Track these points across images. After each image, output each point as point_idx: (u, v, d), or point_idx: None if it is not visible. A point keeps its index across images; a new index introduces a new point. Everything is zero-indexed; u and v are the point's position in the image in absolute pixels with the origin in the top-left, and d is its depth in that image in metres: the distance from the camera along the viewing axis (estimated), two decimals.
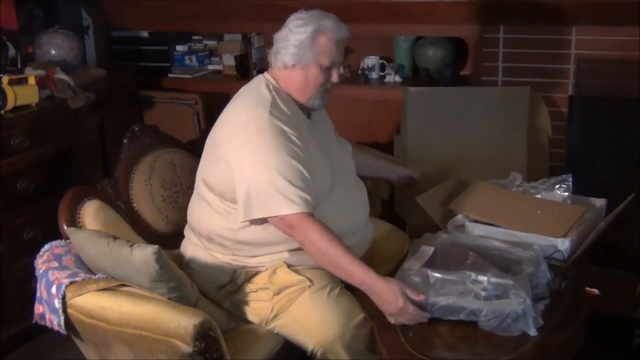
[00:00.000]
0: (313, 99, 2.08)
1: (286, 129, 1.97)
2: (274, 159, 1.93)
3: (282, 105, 2.03)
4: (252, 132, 1.97)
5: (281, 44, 2.06)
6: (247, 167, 1.96)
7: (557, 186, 2.29)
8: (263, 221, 1.98)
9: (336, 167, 2.11)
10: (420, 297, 1.81)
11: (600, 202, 2.30)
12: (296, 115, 2.06)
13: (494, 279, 1.79)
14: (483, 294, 1.78)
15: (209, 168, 2.10)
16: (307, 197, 1.93)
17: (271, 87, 2.07)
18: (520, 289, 1.75)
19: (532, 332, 1.75)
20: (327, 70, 2.05)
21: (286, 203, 1.91)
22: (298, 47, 2.02)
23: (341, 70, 3.58)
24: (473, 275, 1.80)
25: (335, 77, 2.07)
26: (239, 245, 2.05)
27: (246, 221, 1.98)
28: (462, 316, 1.78)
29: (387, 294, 1.83)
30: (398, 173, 2.52)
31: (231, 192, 2.00)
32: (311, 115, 2.15)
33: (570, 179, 2.30)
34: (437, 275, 1.84)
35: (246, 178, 1.95)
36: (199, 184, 2.14)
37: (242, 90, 2.14)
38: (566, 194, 2.28)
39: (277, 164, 1.92)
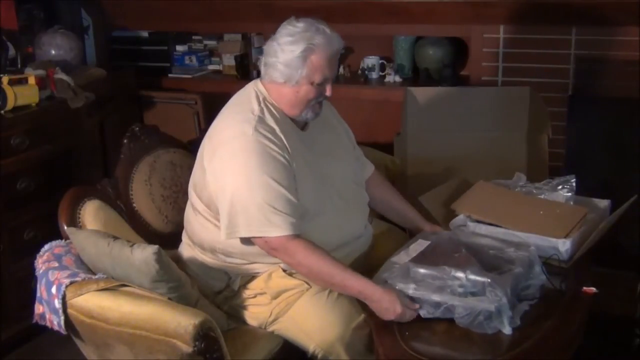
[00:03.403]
0: (305, 112, 2.03)
1: (271, 146, 1.93)
2: (257, 180, 1.90)
3: (270, 119, 1.98)
4: (236, 150, 1.94)
5: (270, 59, 1.98)
6: (229, 186, 1.93)
7: (560, 187, 2.28)
8: None
9: (327, 179, 2.07)
10: (415, 307, 1.81)
11: (604, 203, 2.29)
12: (285, 128, 2.00)
13: (472, 276, 1.78)
14: (460, 290, 1.77)
15: (196, 178, 2.09)
16: (291, 219, 1.90)
17: (261, 98, 2.01)
18: (497, 287, 1.74)
19: (507, 330, 1.74)
20: (319, 86, 1.98)
21: (269, 226, 1.89)
22: (287, 66, 1.94)
23: (341, 70, 3.61)
24: (453, 272, 1.80)
25: (328, 92, 2.00)
26: (231, 255, 2.04)
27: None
28: (438, 312, 1.78)
29: (385, 303, 1.83)
30: (424, 229, 2.24)
31: (215, 205, 1.99)
32: (307, 125, 2.10)
33: (574, 179, 2.29)
34: (417, 269, 1.84)
35: (228, 197, 1.92)
36: (190, 192, 2.13)
37: (233, 99, 2.09)
38: (569, 194, 2.27)
39: (261, 187, 1.89)
